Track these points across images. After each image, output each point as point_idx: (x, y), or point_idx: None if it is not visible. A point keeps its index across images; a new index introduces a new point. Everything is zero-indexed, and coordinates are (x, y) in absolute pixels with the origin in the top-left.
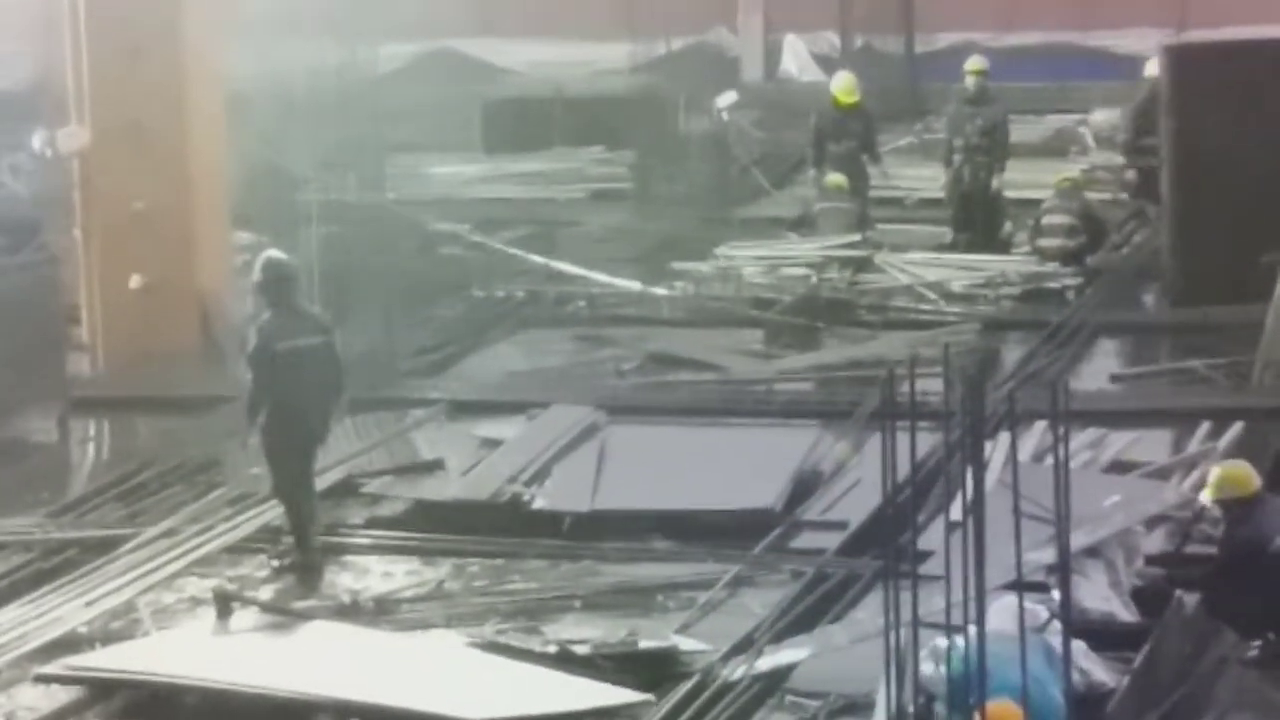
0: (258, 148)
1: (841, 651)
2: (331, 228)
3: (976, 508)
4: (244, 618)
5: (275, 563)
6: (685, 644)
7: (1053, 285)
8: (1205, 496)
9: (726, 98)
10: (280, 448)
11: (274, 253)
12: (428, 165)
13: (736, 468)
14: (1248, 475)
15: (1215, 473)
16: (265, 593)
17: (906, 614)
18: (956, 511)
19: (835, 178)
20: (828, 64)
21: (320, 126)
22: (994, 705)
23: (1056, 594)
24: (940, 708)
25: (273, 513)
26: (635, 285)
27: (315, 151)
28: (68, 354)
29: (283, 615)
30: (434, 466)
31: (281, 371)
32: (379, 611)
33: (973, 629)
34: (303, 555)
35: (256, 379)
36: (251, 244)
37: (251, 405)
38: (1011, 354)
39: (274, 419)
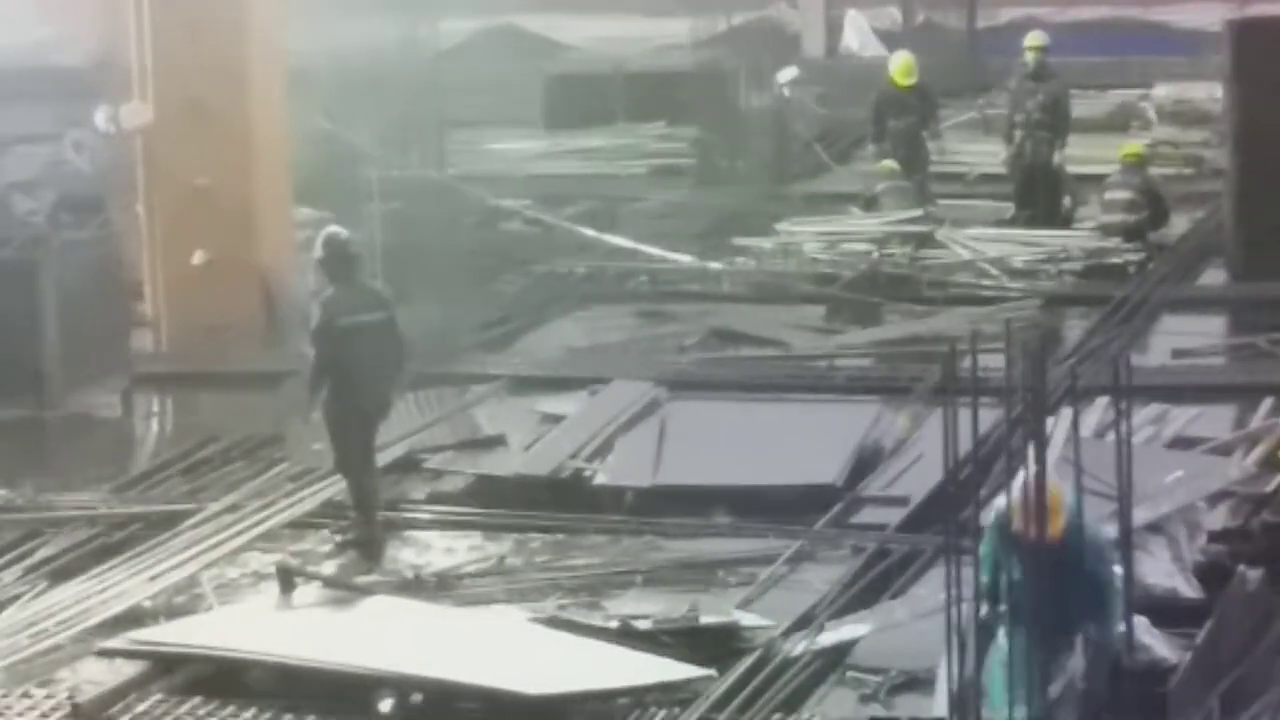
0: (319, 124)
1: (903, 627)
2: (393, 204)
3: (1038, 483)
4: (307, 593)
5: (338, 538)
6: (746, 619)
7: (1115, 260)
8: (1276, 459)
9: (788, 73)
10: (343, 422)
11: (335, 228)
12: (489, 141)
13: (798, 443)
14: None
15: None
16: (328, 568)
17: (968, 590)
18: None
19: (887, 163)
20: (889, 39)
21: (382, 103)
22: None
23: (1119, 570)
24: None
25: (335, 488)
26: (695, 260)
27: (377, 128)
28: (131, 330)
29: (345, 590)
30: (495, 442)
31: (344, 346)
32: (441, 587)
33: None
34: (365, 531)
35: (319, 354)
36: (313, 220)
37: (314, 380)
38: (1073, 330)
39: (336, 394)
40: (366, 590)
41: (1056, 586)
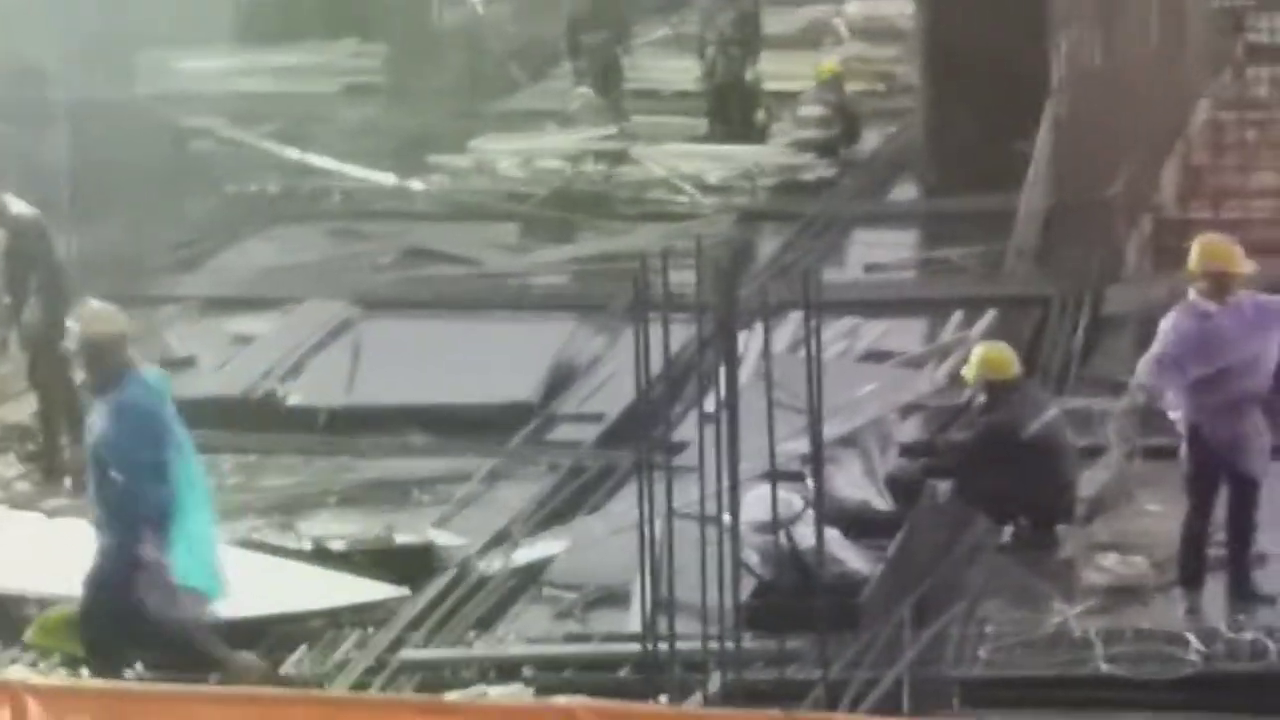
0: (3, 42)
1: (598, 543)
2: (81, 124)
3: (729, 399)
4: None
5: (27, 463)
6: (441, 539)
7: (808, 176)
8: (965, 374)
9: None
10: (42, 338)
11: None
12: (178, 59)
13: (493, 361)
14: (1008, 359)
15: (976, 353)
16: (16, 491)
17: (662, 505)
18: (711, 403)
19: (580, 89)
20: None
21: (67, 21)
22: None
23: (811, 483)
24: None
25: (20, 411)
26: (389, 179)
27: (63, 46)
28: None
29: (34, 513)
30: (186, 363)
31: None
32: None
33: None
34: (55, 453)
35: (12, 272)
36: None
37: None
38: (767, 245)
39: (32, 311)
40: (55, 514)
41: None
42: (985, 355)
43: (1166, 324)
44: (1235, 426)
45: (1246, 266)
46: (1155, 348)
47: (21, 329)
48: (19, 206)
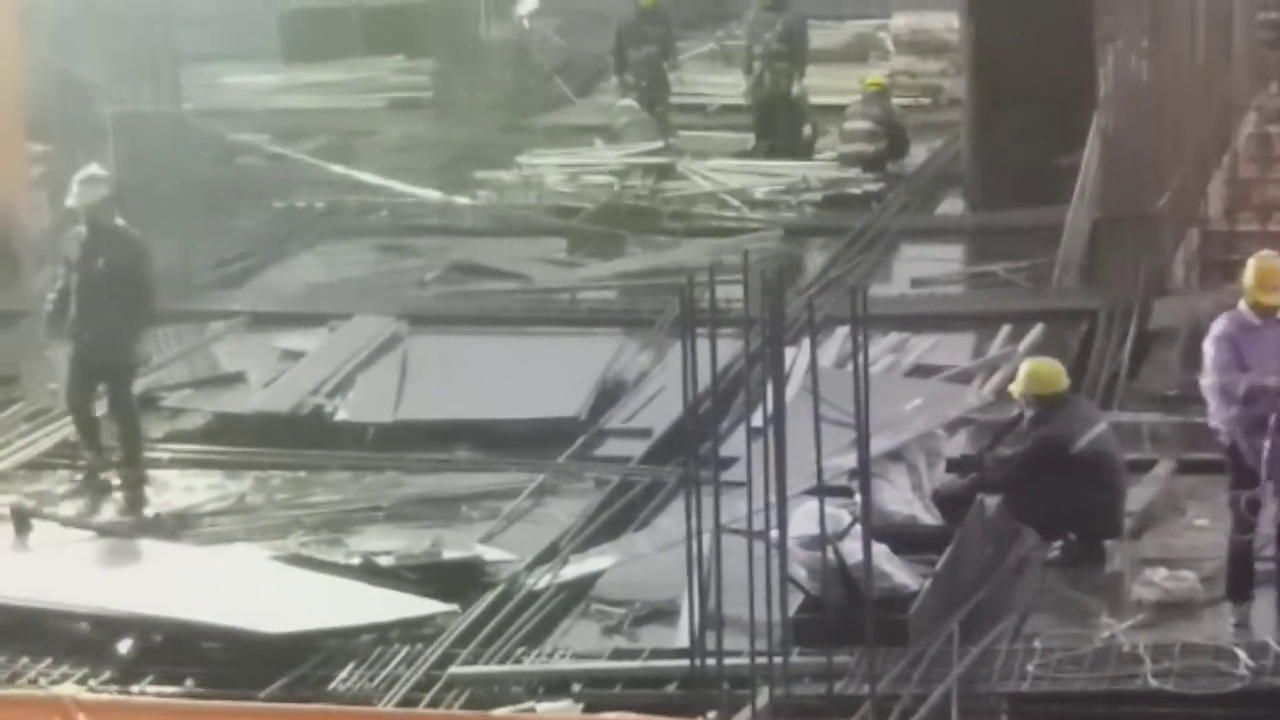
0: (53, 58)
1: (646, 559)
2: (128, 140)
3: (777, 414)
4: (44, 534)
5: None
6: (490, 554)
7: (854, 190)
8: (1012, 388)
9: (528, 4)
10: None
11: (93, 170)
12: (225, 75)
13: (540, 377)
14: (1056, 374)
15: (1024, 367)
16: (66, 508)
17: (710, 521)
18: (758, 418)
19: (626, 102)
20: None
21: (114, 36)
22: None
23: (858, 498)
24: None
25: (70, 428)
26: (436, 194)
27: (110, 62)
28: None
29: (84, 531)
30: (235, 379)
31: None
32: (180, 526)
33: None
34: (130, 470)
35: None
36: (47, 155)
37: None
38: (814, 260)
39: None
40: (105, 531)
41: None
42: (1033, 370)
43: (1216, 329)
44: (1277, 440)
45: None
46: (1209, 353)
47: (84, 347)
48: (128, 228)
